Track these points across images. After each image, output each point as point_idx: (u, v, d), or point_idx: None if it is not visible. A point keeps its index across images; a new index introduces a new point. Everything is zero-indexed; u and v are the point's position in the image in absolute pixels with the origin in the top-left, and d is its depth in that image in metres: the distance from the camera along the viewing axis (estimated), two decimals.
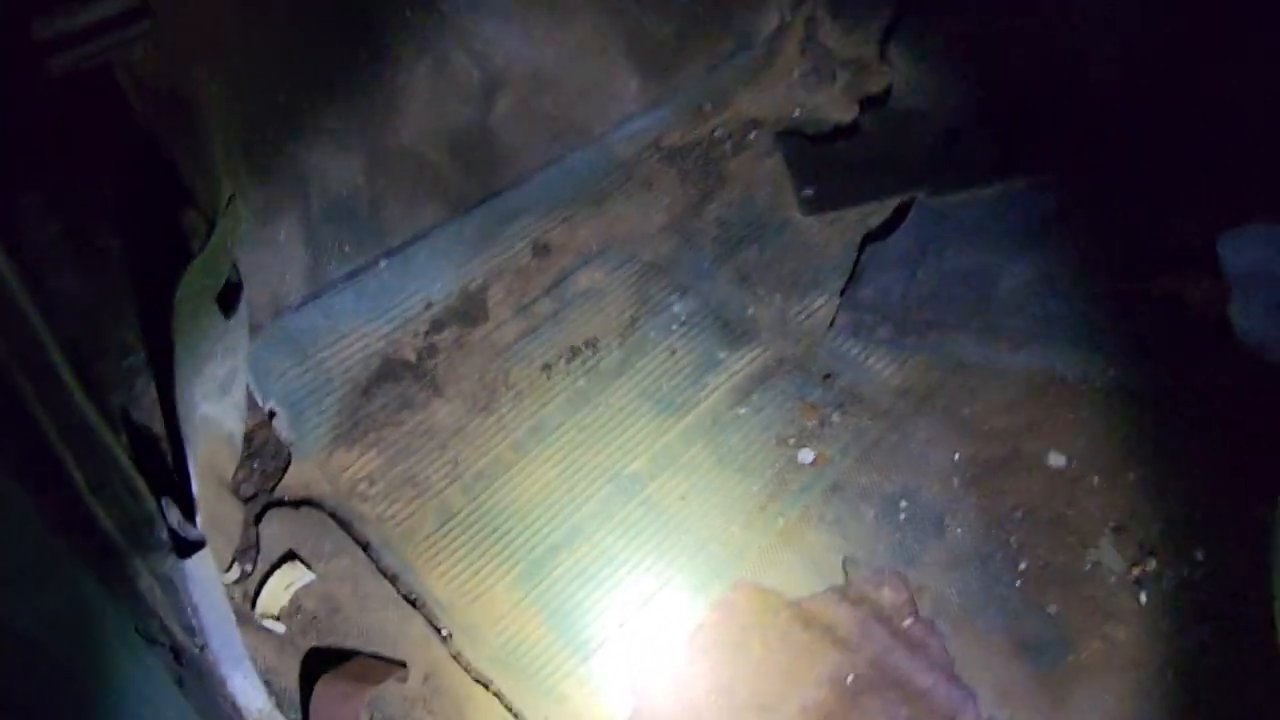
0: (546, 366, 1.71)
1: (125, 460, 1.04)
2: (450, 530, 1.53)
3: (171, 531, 1.11)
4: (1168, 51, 1.81)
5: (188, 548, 1.11)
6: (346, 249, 1.74)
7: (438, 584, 1.47)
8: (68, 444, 1.00)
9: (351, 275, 1.73)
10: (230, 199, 1.24)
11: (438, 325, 1.75)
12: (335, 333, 1.68)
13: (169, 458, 1.31)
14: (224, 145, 1.43)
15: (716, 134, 2.07)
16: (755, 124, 2.10)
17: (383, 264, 1.75)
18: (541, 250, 1.85)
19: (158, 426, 1.49)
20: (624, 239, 1.89)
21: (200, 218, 1.28)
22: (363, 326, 1.71)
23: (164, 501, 1.08)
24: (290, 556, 1.49)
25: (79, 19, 1.06)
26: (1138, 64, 1.85)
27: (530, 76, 1.94)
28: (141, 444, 1.24)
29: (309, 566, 1.48)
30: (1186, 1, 1.81)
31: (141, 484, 1.05)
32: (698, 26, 2.16)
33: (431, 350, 1.72)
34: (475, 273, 1.81)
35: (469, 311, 1.78)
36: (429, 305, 1.77)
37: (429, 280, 1.78)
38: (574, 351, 1.73)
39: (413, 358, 1.71)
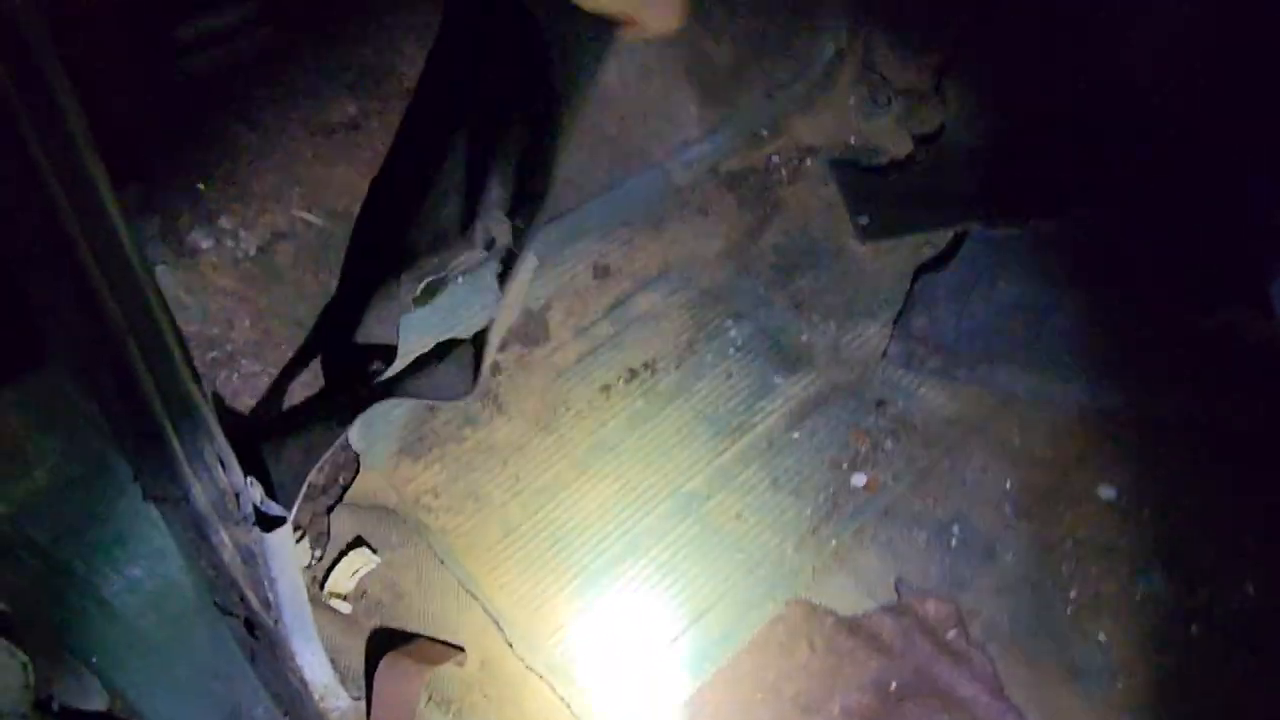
0: (606, 387, 1.76)
1: (220, 434, 1.10)
2: (512, 543, 1.58)
3: (255, 507, 1.16)
4: (1226, 87, 1.85)
5: (270, 522, 1.16)
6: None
7: (498, 594, 1.52)
8: (170, 415, 1.07)
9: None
10: None
11: (502, 344, 1.81)
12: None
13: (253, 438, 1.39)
14: None
15: (773, 160, 2.12)
16: (811, 151, 2.15)
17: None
18: (601, 272, 1.91)
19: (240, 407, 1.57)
20: (682, 264, 1.94)
21: None
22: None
23: (248, 479, 1.14)
24: (358, 543, 1.55)
25: (216, 22, 1.14)
26: (1195, 99, 1.88)
27: (595, 96, 2.01)
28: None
29: (375, 551, 1.53)
30: (1245, 39, 1.84)
31: (233, 457, 1.11)
32: (756, 52, 2.21)
33: (495, 368, 1.78)
34: (538, 293, 1.86)
35: (531, 331, 1.83)
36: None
37: (495, 296, 1.82)
38: (632, 373, 1.78)
39: None
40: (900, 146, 2.16)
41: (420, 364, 1.61)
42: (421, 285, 1.63)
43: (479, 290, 1.78)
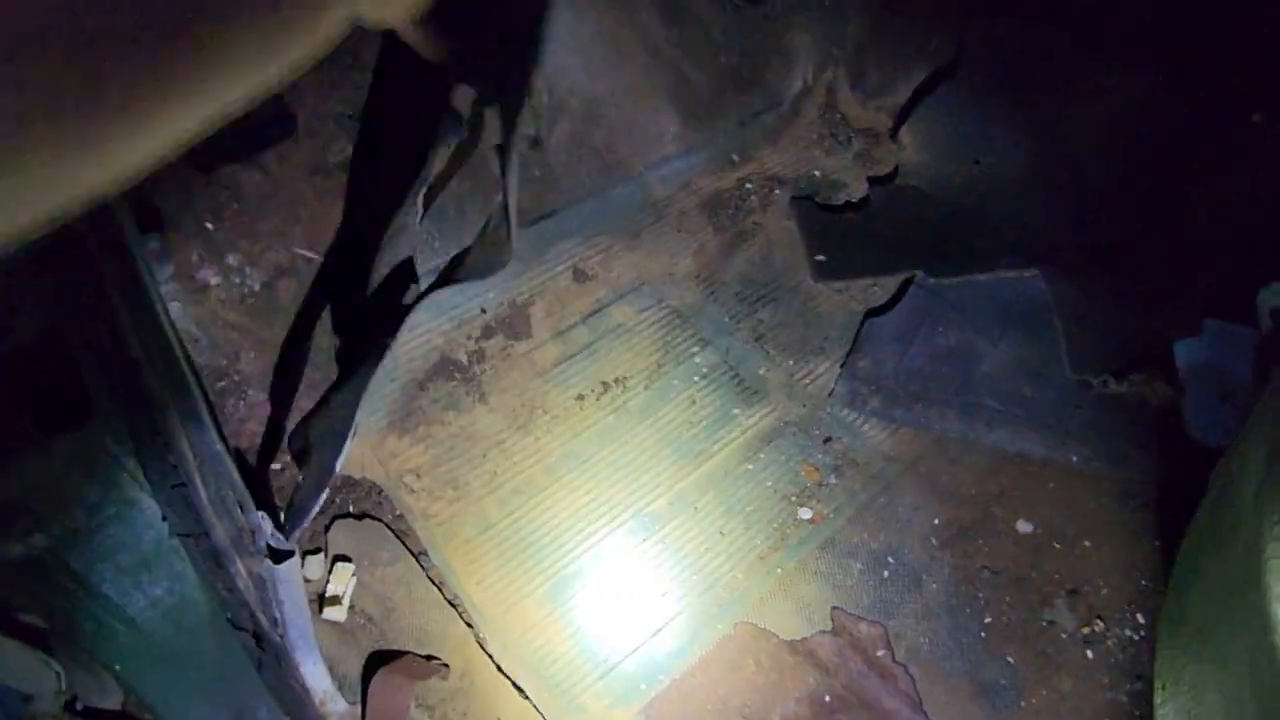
0: (580, 397, 1.91)
1: (240, 481, 1.25)
2: (488, 539, 1.71)
3: (266, 542, 1.32)
4: (1163, 153, 2.02)
5: (280, 556, 1.32)
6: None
7: (475, 590, 1.66)
8: (199, 468, 1.22)
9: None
10: None
11: (488, 332, 1.94)
12: (409, 323, 1.85)
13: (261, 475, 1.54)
14: None
15: (746, 185, 2.29)
16: (778, 180, 2.31)
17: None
18: (581, 276, 2.05)
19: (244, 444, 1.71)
20: (655, 279, 2.10)
21: None
22: (430, 321, 1.90)
23: (260, 515, 1.29)
24: (342, 558, 1.69)
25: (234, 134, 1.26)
26: (1133, 167, 2.06)
27: (586, 108, 2.15)
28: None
29: (352, 561, 1.68)
30: (1183, 110, 2.02)
31: (250, 500, 1.26)
32: (733, 81, 2.37)
33: (480, 355, 1.91)
34: (523, 287, 2.00)
35: (515, 324, 1.97)
36: (483, 310, 1.96)
37: (486, 284, 1.97)
38: (605, 386, 1.93)
39: (464, 359, 1.89)
40: (858, 185, 2.33)
41: (454, 263, 1.66)
42: (423, 190, 1.66)
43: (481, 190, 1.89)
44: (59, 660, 1.51)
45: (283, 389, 1.72)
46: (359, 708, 1.55)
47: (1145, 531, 1.78)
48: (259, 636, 1.65)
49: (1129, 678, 1.63)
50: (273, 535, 1.33)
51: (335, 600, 1.64)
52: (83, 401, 1.24)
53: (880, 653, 1.67)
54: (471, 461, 1.79)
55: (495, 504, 1.76)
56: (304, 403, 1.72)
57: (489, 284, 1.99)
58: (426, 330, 1.91)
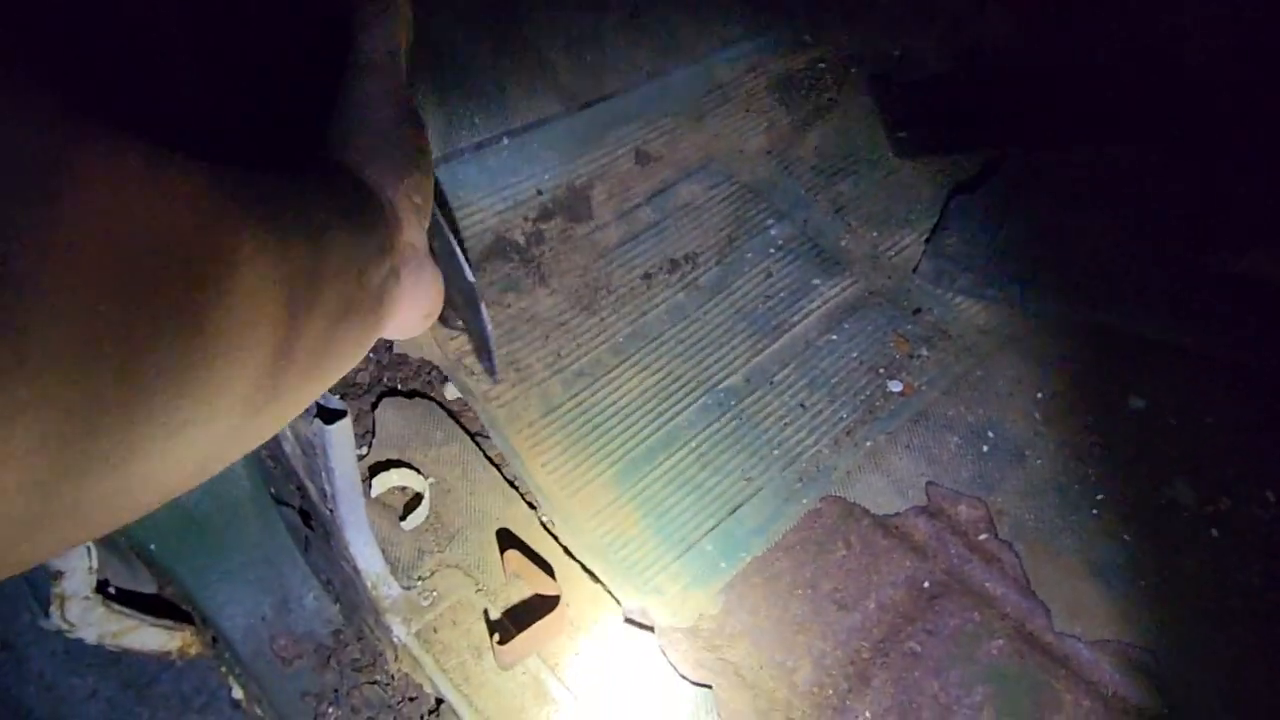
0: (647, 275, 1.77)
1: None
2: (552, 421, 1.59)
3: (316, 400, 1.18)
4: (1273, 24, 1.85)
5: (331, 415, 1.18)
6: (476, 120, 1.81)
7: (539, 473, 1.55)
8: None
9: (478, 147, 1.80)
10: None
11: (545, 214, 1.81)
12: (458, 199, 1.76)
13: None
14: None
15: (819, 65, 2.12)
16: (856, 60, 2.14)
17: (505, 141, 1.82)
18: (644, 158, 1.91)
19: None
20: (724, 157, 1.95)
21: None
22: (482, 200, 1.78)
23: None
24: (401, 464, 1.56)
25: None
26: (1244, 36, 1.89)
27: None
28: None
29: (419, 473, 1.55)
30: None
31: None
32: None
33: (539, 237, 1.79)
34: (581, 170, 1.87)
35: (574, 206, 1.84)
36: (539, 192, 1.83)
37: (541, 167, 1.85)
38: (674, 264, 1.79)
39: (521, 240, 1.78)
40: (942, 63, 2.16)
41: None
42: None
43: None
44: None
45: None
46: (413, 593, 1.43)
47: (1272, 412, 1.62)
48: (305, 514, 1.52)
49: (1261, 557, 1.48)
50: (323, 394, 1.19)
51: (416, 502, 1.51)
52: None
53: (982, 536, 1.53)
54: (533, 344, 1.67)
55: (559, 386, 1.63)
56: None
57: (546, 163, 1.87)
58: (479, 207, 1.78)
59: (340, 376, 0.71)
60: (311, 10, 1.06)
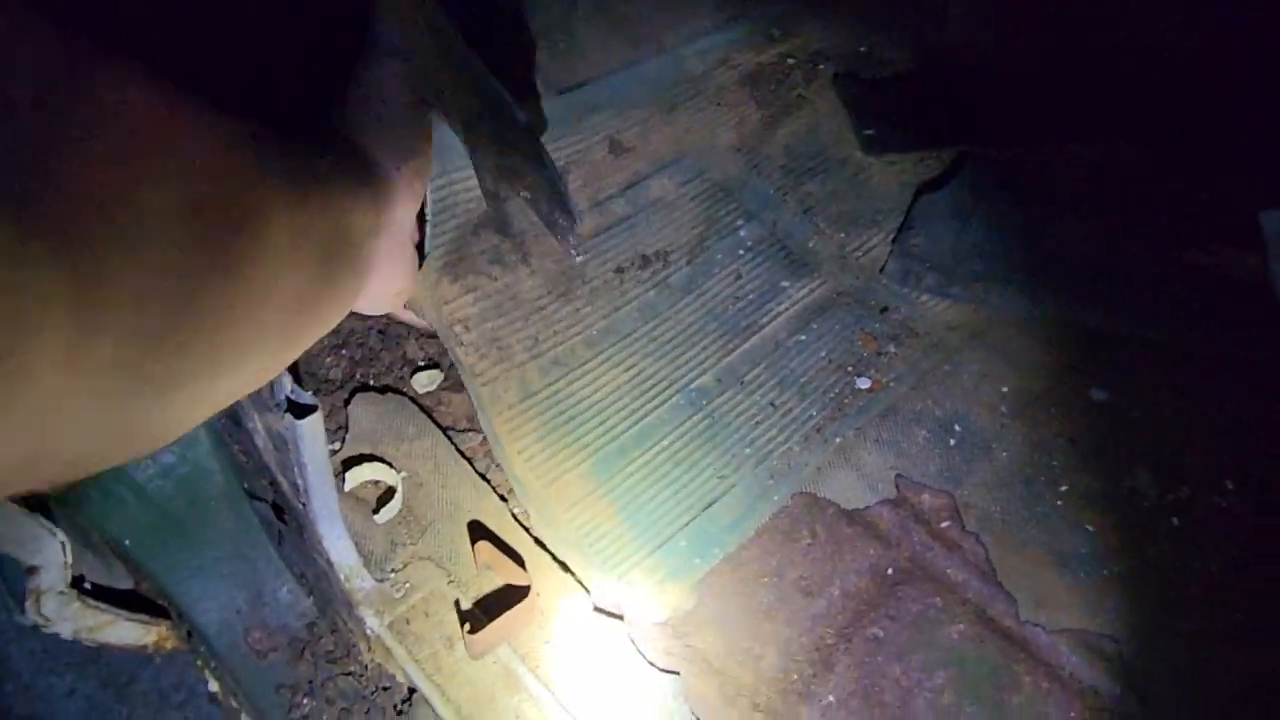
0: (620, 270, 1.79)
1: None
2: (529, 408, 1.60)
3: (287, 395, 1.21)
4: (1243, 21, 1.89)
5: (302, 410, 1.20)
6: None
7: (516, 460, 1.56)
8: None
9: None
10: None
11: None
12: (452, 165, 1.68)
13: None
14: None
15: (788, 60, 2.15)
16: (823, 55, 2.17)
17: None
18: (617, 148, 1.93)
19: None
20: (695, 151, 1.97)
21: None
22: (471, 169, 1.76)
23: None
24: (374, 458, 1.58)
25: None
26: (1212, 31, 1.93)
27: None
28: None
29: (392, 467, 1.57)
30: None
31: None
32: None
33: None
34: (558, 156, 1.87)
35: None
36: None
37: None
38: (645, 260, 1.82)
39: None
40: (908, 61, 2.19)
41: None
42: None
43: None
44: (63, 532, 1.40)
45: None
46: (386, 585, 1.45)
47: (1231, 402, 1.66)
48: (279, 508, 1.54)
49: (1220, 543, 1.51)
50: (293, 390, 1.21)
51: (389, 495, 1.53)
52: None
53: (945, 524, 1.55)
54: (514, 323, 1.68)
55: (537, 371, 1.65)
56: None
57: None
58: (471, 179, 1.76)
59: (326, 330, 0.79)
60: (311, 10, 1.09)
